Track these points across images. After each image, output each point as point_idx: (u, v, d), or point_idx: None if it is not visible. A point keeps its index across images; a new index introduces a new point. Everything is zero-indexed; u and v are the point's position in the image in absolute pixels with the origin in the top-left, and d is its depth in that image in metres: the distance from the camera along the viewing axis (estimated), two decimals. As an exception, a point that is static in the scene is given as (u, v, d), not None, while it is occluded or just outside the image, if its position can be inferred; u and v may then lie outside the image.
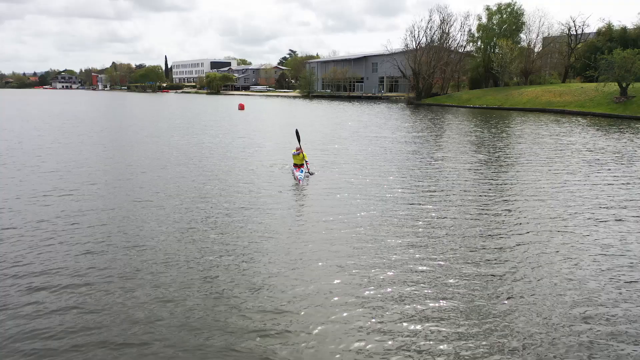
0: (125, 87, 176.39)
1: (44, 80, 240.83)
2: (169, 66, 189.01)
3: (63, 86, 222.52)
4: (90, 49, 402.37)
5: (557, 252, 7.97)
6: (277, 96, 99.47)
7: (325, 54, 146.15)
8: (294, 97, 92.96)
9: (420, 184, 13.06)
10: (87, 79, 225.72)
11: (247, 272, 7.05)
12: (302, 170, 13.69)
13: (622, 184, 13.06)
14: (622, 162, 16.49)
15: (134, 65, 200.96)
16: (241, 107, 52.14)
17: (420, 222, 9.47)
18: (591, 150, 19.22)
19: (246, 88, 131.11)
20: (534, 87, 52.01)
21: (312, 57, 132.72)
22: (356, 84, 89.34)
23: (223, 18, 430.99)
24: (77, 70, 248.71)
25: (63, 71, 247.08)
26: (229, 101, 77.29)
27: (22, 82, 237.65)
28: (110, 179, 13.55)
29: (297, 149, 14.11)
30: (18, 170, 14.73)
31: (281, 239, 8.54)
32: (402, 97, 67.62)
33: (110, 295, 6.32)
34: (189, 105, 65.83)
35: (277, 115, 45.10)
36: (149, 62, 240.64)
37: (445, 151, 19.54)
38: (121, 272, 7.06)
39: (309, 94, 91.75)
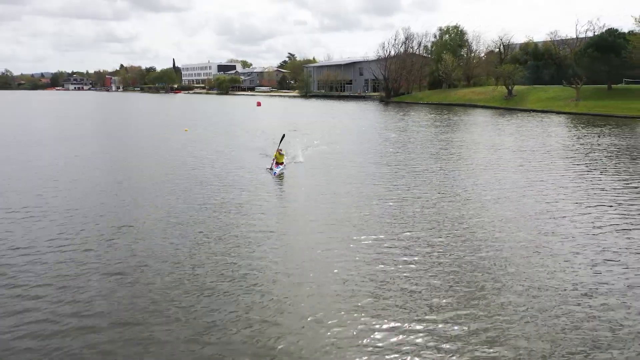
0: (139, 89, 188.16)
1: (56, 81, 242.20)
2: (177, 67, 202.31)
3: (75, 88, 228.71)
4: (88, 48, 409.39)
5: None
6: (279, 96, 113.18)
7: (321, 53, 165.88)
8: (294, 96, 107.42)
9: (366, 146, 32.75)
10: (97, 81, 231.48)
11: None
12: (279, 167, 17.44)
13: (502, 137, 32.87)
14: (485, 131, 36.43)
15: (143, 68, 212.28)
16: (258, 105, 70.00)
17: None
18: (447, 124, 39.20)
19: (251, 89, 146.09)
20: (463, 89, 72.18)
21: (309, 61, 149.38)
22: (346, 85, 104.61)
23: (220, 18, 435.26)
24: (83, 71, 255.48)
25: (73, 73, 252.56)
26: (243, 100, 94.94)
27: (34, 83, 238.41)
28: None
29: (280, 150, 18.11)
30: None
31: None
32: (378, 96, 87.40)
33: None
34: (213, 104, 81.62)
35: (287, 110, 63.45)
36: (147, 62, 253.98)
37: (386, 123, 39.29)
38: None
39: (306, 94, 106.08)
